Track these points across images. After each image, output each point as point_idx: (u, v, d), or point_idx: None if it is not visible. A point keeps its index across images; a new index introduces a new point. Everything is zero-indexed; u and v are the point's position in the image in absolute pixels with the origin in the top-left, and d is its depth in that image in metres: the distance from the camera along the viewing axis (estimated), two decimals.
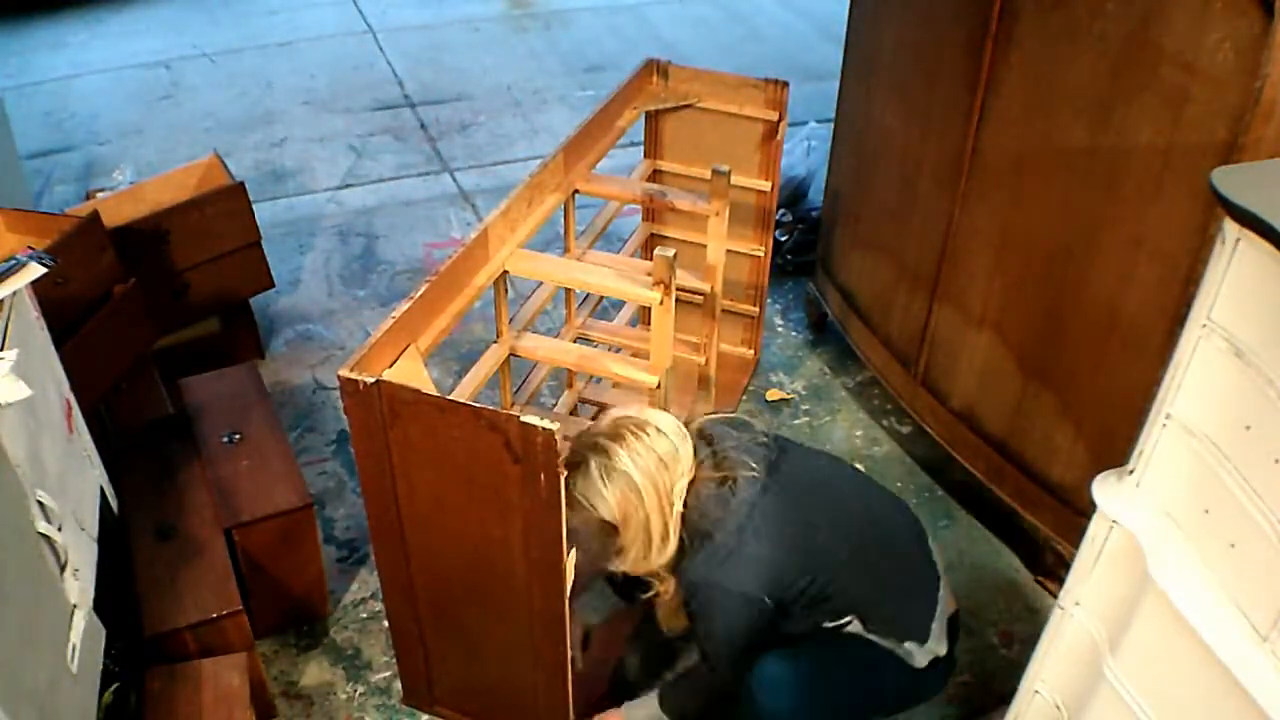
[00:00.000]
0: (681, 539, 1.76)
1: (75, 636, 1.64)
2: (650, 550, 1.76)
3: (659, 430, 1.73)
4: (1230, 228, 1.20)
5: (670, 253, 1.94)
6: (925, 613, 1.85)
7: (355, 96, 4.75)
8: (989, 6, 2.14)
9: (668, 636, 2.04)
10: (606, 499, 1.72)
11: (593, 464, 1.72)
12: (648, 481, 1.70)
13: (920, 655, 1.84)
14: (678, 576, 1.82)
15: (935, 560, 1.92)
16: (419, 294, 1.85)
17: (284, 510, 2.20)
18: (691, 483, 1.74)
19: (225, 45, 5.21)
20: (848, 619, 1.82)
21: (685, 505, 1.74)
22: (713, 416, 1.88)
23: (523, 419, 1.55)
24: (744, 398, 3.01)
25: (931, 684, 1.93)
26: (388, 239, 3.75)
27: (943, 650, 1.86)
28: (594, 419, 2.43)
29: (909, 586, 1.88)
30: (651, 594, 1.90)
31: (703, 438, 1.80)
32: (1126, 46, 1.88)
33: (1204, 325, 1.27)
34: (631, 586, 1.99)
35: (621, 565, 1.81)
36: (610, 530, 1.76)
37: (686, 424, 1.80)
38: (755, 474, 1.75)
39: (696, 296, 2.53)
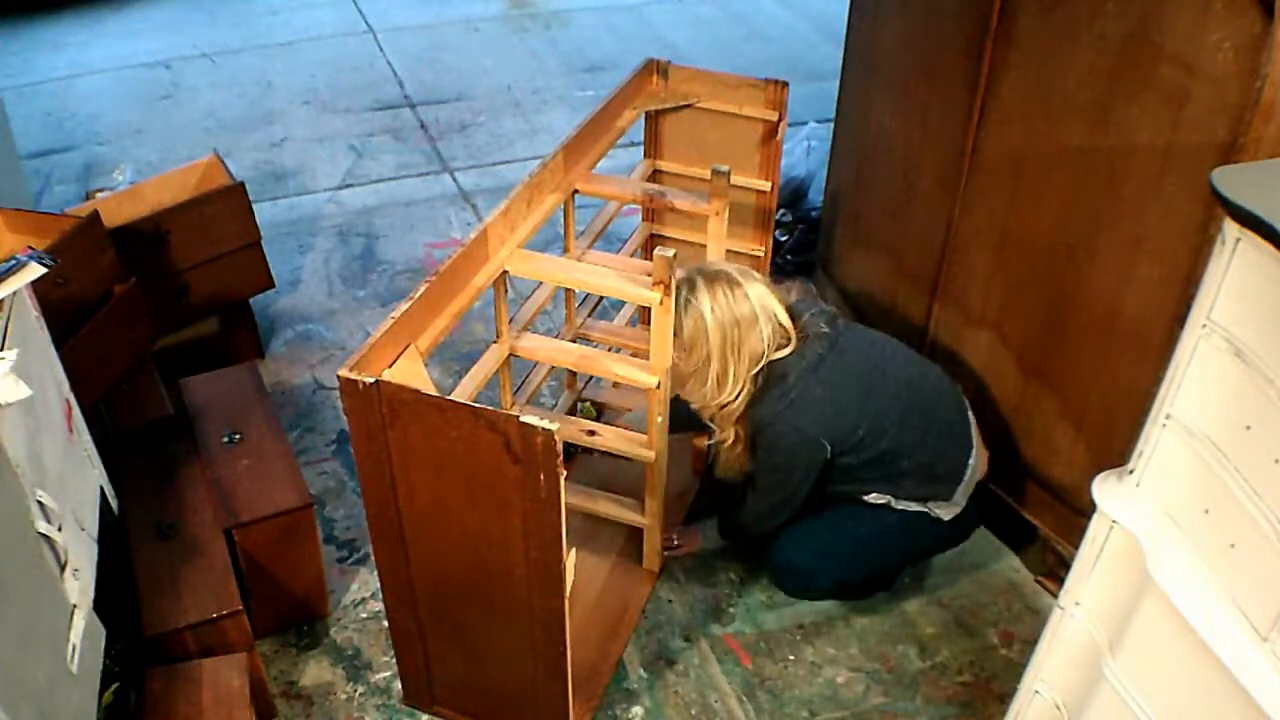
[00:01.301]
0: (754, 391, 2.01)
1: (75, 636, 1.65)
2: (706, 387, 2.01)
3: (746, 297, 1.97)
4: (1230, 228, 1.20)
5: (670, 253, 1.94)
6: (955, 478, 2.13)
7: (355, 96, 4.75)
8: (989, 6, 2.14)
9: (726, 481, 2.27)
10: (682, 323, 1.97)
11: (684, 291, 1.96)
12: (717, 329, 1.95)
13: (945, 511, 2.14)
14: (747, 420, 2.05)
15: (972, 433, 2.18)
16: (419, 294, 1.84)
17: (284, 510, 2.20)
18: (764, 354, 1.99)
19: (225, 45, 5.21)
20: (875, 494, 2.11)
21: (760, 368, 1.99)
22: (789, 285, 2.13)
23: (522, 419, 1.55)
24: None
25: (956, 533, 2.22)
26: (388, 239, 3.75)
27: (960, 508, 2.15)
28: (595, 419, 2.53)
29: (944, 452, 2.13)
30: (716, 440, 2.15)
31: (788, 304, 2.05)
32: (1126, 46, 1.88)
33: (1204, 325, 1.27)
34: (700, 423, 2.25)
35: (685, 393, 2.08)
36: (680, 350, 2.00)
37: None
38: (825, 337, 2.02)
39: None
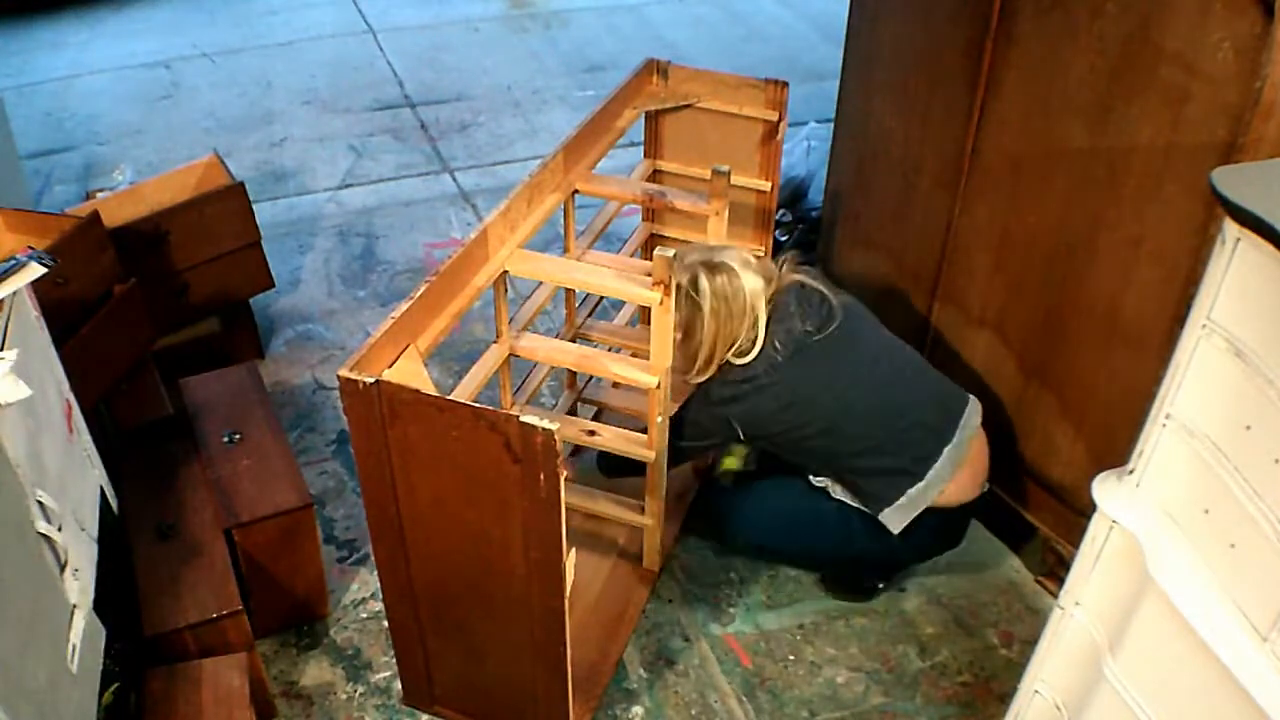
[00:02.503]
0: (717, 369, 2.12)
1: (75, 636, 1.65)
2: (693, 368, 2.13)
3: (742, 292, 2.05)
4: (1230, 228, 1.20)
5: (670, 253, 1.94)
6: (896, 491, 2.11)
7: (355, 96, 4.75)
8: (989, 6, 2.14)
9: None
10: (681, 310, 2.06)
11: (685, 282, 2.06)
12: (712, 322, 2.06)
13: (891, 522, 2.13)
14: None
15: (947, 459, 2.12)
16: (419, 294, 1.84)
17: (284, 510, 2.20)
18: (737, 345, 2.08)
19: (225, 45, 5.21)
20: (822, 479, 2.18)
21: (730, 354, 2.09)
22: (797, 276, 2.16)
23: (522, 419, 1.55)
24: None
25: (902, 549, 2.19)
26: (388, 239, 3.75)
27: (904, 524, 2.12)
28: (594, 418, 2.53)
29: (897, 465, 2.12)
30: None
31: (775, 303, 2.11)
32: (1126, 46, 1.88)
33: (1204, 325, 1.27)
34: None
35: (676, 365, 2.15)
36: (676, 331, 2.08)
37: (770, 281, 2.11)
38: (802, 343, 2.07)
39: None
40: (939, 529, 2.21)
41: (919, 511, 2.13)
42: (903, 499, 2.11)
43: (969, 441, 2.17)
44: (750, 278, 2.08)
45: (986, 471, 2.24)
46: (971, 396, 2.23)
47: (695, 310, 2.06)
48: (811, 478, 2.22)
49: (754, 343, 2.08)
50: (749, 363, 2.08)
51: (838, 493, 2.19)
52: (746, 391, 2.09)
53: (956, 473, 2.14)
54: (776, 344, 2.07)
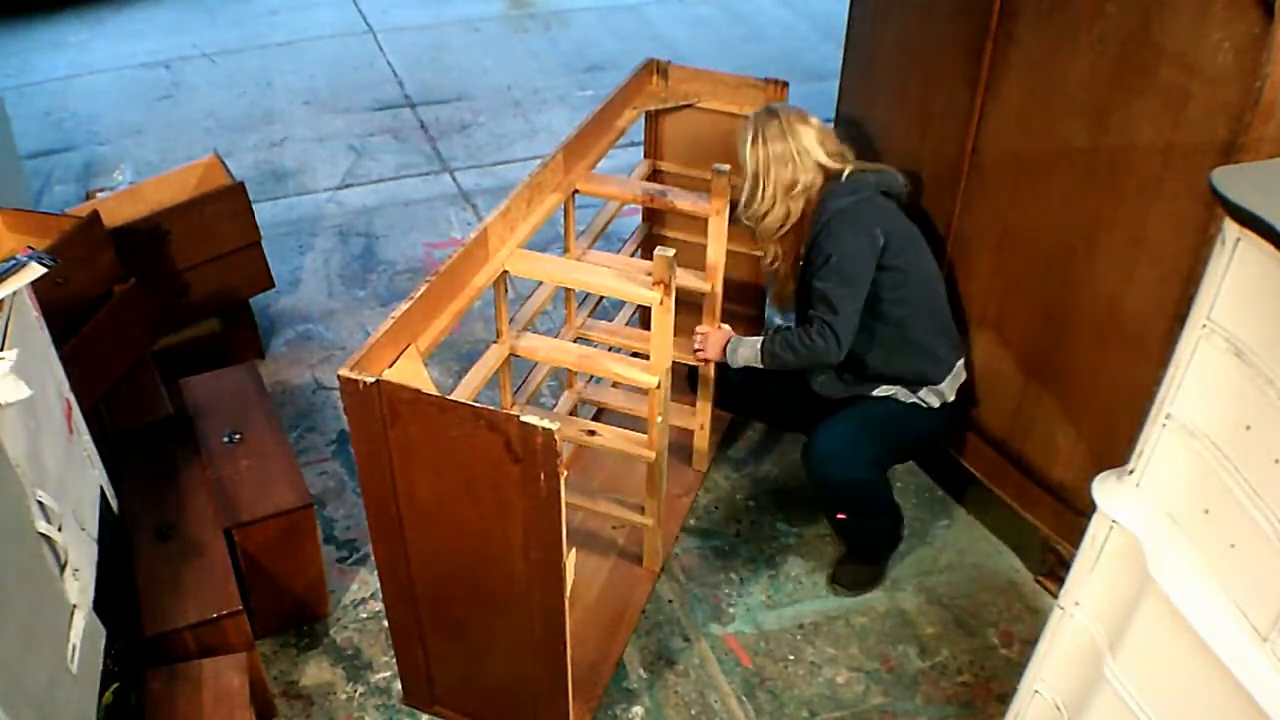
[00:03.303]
0: (805, 206, 2.30)
1: (75, 636, 1.65)
2: (753, 203, 2.30)
3: (783, 137, 2.26)
4: (1230, 228, 1.20)
5: (670, 253, 1.94)
6: (946, 366, 2.35)
7: (355, 96, 4.75)
8: (989, 6, 2.13)
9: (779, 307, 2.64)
10: (742, 149, 2.31)
11: (746, 123, 2.31)
12: (752, 158, 2.28)
13: (934, 399, 2.34)
14: (808, 222, 2.30)
15: (957, 339, 2.41)
16: (419, 294, 1.84)
17: (284, 510, 2.20)
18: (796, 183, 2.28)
19: (225, 45, 5.21)
20: (881, 389, 2.35)
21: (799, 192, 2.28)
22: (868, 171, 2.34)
23: (522, 419, 1.55)
24: None
25: (941, 424, 2.42)
26: (388, 239, 3.75)
27: (951, 398, 2.37)
28: (594, 418, 2.54)
29: (939, 340, 2.34)
30: (765, 262, 2.47)
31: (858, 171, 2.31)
32: (1126, 47, 1.88)
33: (1204, 325, 1.27)
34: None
35: (739, 205, 2.35)
36: (736, 171, 2.31)
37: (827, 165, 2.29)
38: (875, 187, 2.28)
39: (697, 297, 2.52)
40: (960, 401, 2.44)
41: (960, 384, 2.39)
42: (957, 367, 2.37)
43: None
44: (804, 129, 2.27)
45: None
46: None
47: (742, 146, 2.30)
48: (875, 392, 2.36)
49: (826, 175, 2.28)
50: (842, 174, 2.27)
51: (901, 396, 2.35)
52: (862, 204, 2.24)
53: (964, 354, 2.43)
54: (885, 183, 2.30)
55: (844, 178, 2.27)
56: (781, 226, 2.33)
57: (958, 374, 2.38)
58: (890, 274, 2.25)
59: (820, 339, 2.22)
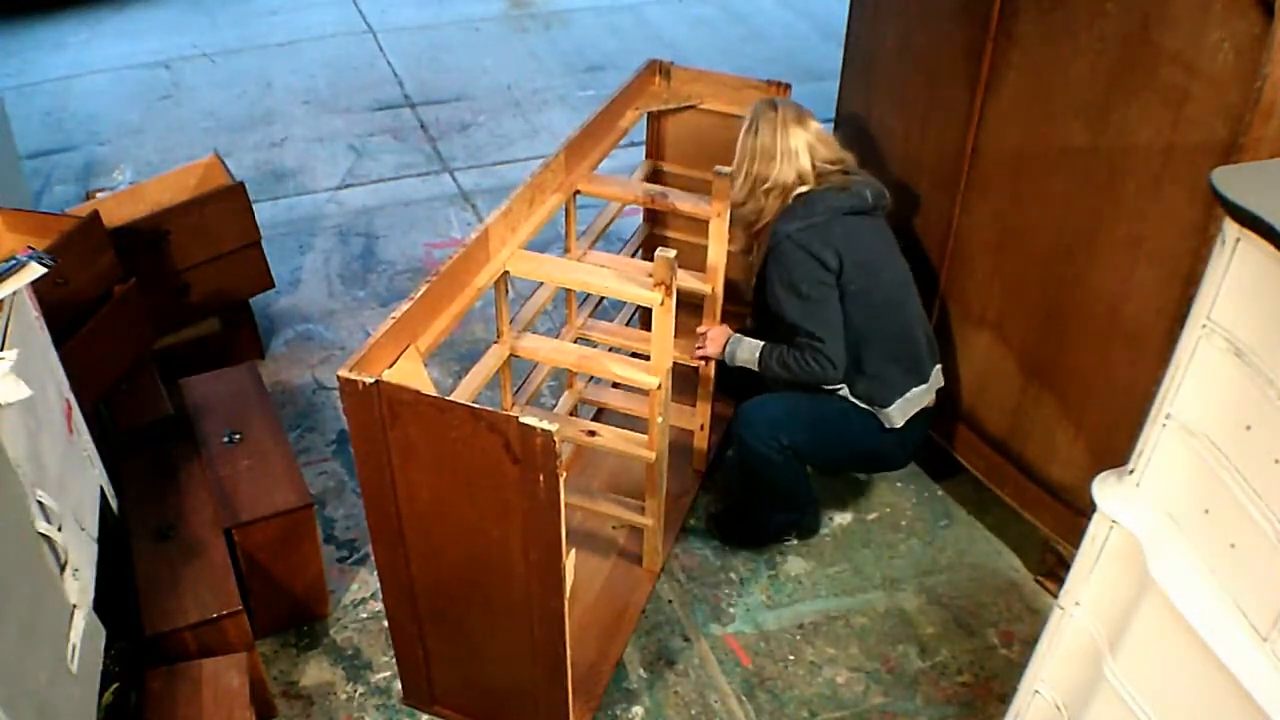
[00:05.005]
0: (778, 209, 2.30)
1: (75, 636, 1.65)
2: (732, 189, 2.28)
3: (773, 134, 2.27)
4: (1230, 228, 1.20)
5: (671, 253, 1.94)
6: (904, 387, 2.32)
7: (355, 96, 4.75)
8: (989, 6, 2.14)
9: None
10: (740, 131, 2.33)
11: (752, 109, 2.33)
12: (751, 149, 2.29)
13: (887, 421, 2.32)
14: (766, 235, 2.32)
15: (928, 368, 2.37)
16: (419, 294, 1.84)
17: (284, 510, 2.20)
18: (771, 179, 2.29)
19: (225, 45, 5.21)
20: (839, 386, 2.32)
21: (773, 190, 2.29)
22: (867, 176, 2.36)
23: (522, 420, 1.55)
24: None
25: (897, 448, 2.40)
26: (388, 239, 3.75)
27: (898, 424, 2.33)
28: (594, 419, 2.56)
29: (897, 363, 2.32)
30: (739, 247, 2.47)
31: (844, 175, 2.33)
32: (1126, 46, 1.88)
33: (1204, 325, 1.27)
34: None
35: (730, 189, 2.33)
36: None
37: (809, 169, 2.30)
38: (858, 197, 2.28)
39: (697, 298, 2.52)
40: (924, 430, 2.45)
41: (914, 412, 2.34)
42: (912, 393, 2.32)
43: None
44: (797, 130, 2.28)
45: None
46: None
47: (743, 138, 2.31)
48: (827, 387, 2.34)
49: (807, 179, 2.28)
50: (805, 193, 2.28)
51: (852, 397, 2.33)
52: (829, 219, 2.25)
53: (935, 386, 2.40)
54: (865, 192, 2.29)
55: (806, 198, 2.27)
56: (755, 222, 2.35)
57: (912, 399, 2.33)
58: (845, 299, 2.26)
59: (816, 364, 2.26)
